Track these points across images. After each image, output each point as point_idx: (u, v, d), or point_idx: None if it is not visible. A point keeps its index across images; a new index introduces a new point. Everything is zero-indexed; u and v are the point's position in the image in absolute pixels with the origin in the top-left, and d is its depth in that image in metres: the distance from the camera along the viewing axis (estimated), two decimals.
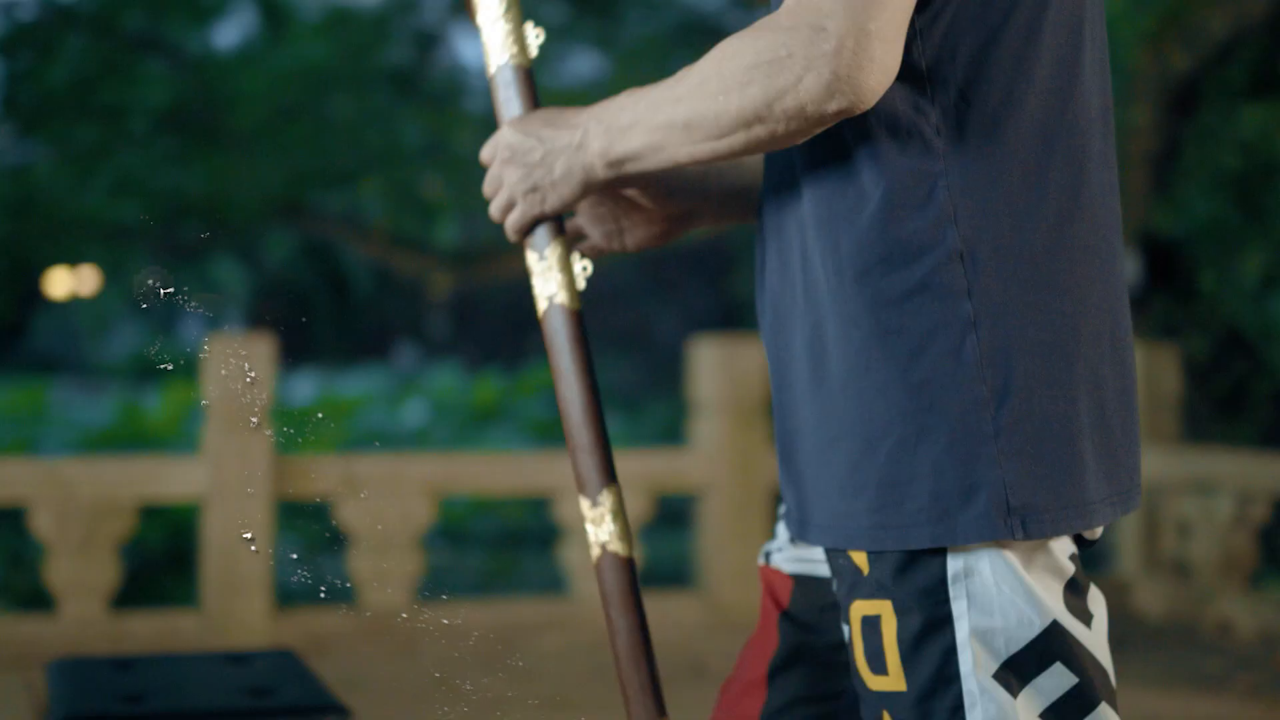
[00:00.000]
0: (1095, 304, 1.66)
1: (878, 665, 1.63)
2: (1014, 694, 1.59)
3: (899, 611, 1.62)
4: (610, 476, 1.83)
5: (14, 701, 5.09)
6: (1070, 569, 1.64)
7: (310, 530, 9.41)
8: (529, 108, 1.86)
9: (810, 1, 1.55)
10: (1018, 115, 1.63)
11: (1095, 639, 1.65)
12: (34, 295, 15.58)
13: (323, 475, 6.03)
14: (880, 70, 1.54)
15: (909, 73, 1.62)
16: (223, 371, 5.67)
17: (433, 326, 18.68)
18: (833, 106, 1.55)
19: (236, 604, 5.70)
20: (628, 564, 1.82)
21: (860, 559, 1.64)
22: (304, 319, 17.90)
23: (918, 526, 1.59)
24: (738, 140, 1.62)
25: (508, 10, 1.89)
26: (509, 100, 1.87)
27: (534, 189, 1.79)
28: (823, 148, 1.66)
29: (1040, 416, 1.60)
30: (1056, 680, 1.60)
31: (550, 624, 5.99)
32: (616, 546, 1.81)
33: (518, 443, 12.39)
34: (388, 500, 5.88)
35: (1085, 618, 1.64)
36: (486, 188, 1.84)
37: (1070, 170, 1.66)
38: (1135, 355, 1.75)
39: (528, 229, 1.85)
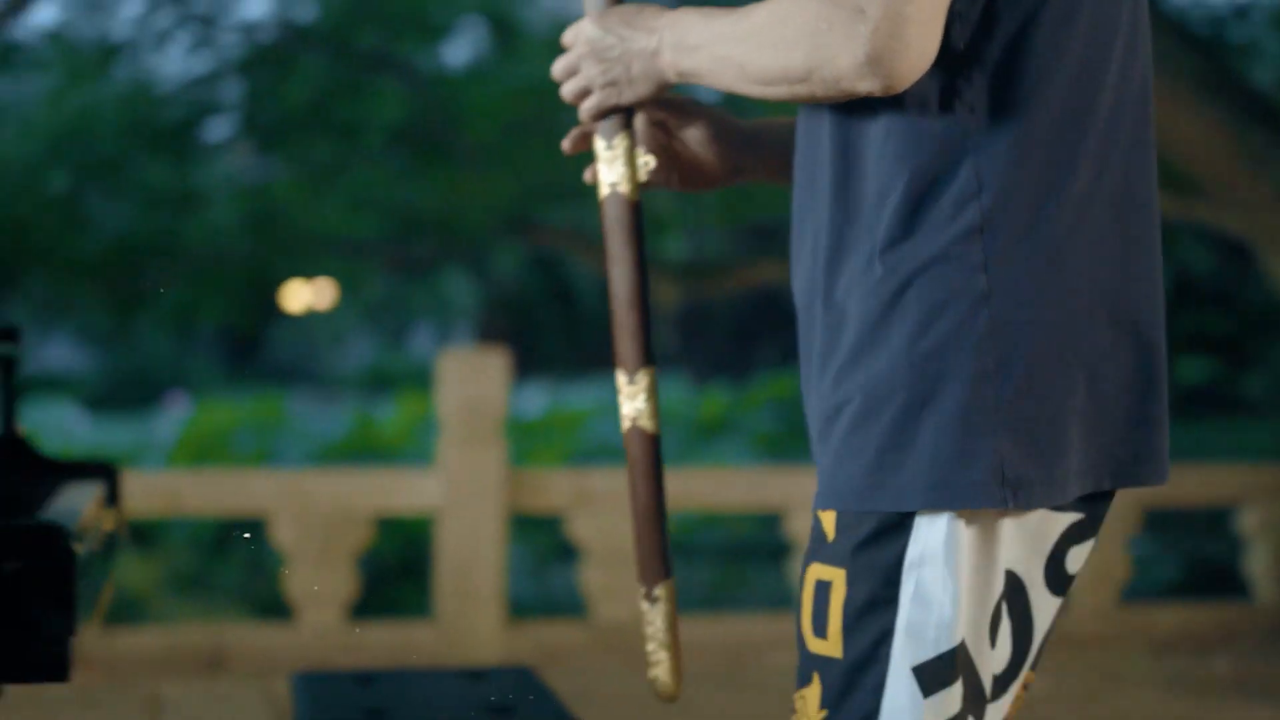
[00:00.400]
0: (1108, 289, 1.70)
1: (820, 629, 1.70)
2: (924, 694, 1.66)
3: (850, 582, 1.68)
4: (649, 359, 1.95)
5: (254, 709, 5.19)
6: (1051, 543, 1.72)
7: (542, 542, 9.49)
8: (611, 2, 1.92)
9: None
10: (1049, 95, 1.68)
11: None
12: (272, 308, 15.94)
13: (554, 488, 6.07)
14: (916, 55, 1.60)
15: (946, 52, 1.66)
16: (457, 384, 5.73)
17: (660, 339, 18.77)
18: (865, 86, 1.62)
19: (470, 615, 5.75)
20: (653, 439, 1.94)
21: (829, 524, 1.71)
22: (532, 331, 18.08)
23: (914, 490, 1.65)
24: (781, 91, 1.69)
25: None
26: None
27: (612, 83, 1.89)
28: (856, 116, 1.72)
29: (1039, 393, 1.65)
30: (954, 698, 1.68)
31: (779, 641, 5.95)
32: (646, 423, 1.94)
33: (745, 457, 12.38)
34: (618, 514, 5.89)
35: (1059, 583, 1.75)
36: (560, 72, 1.94)
37: (1096, 153, 1.71)
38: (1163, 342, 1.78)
39: (601, 116, 1.93)
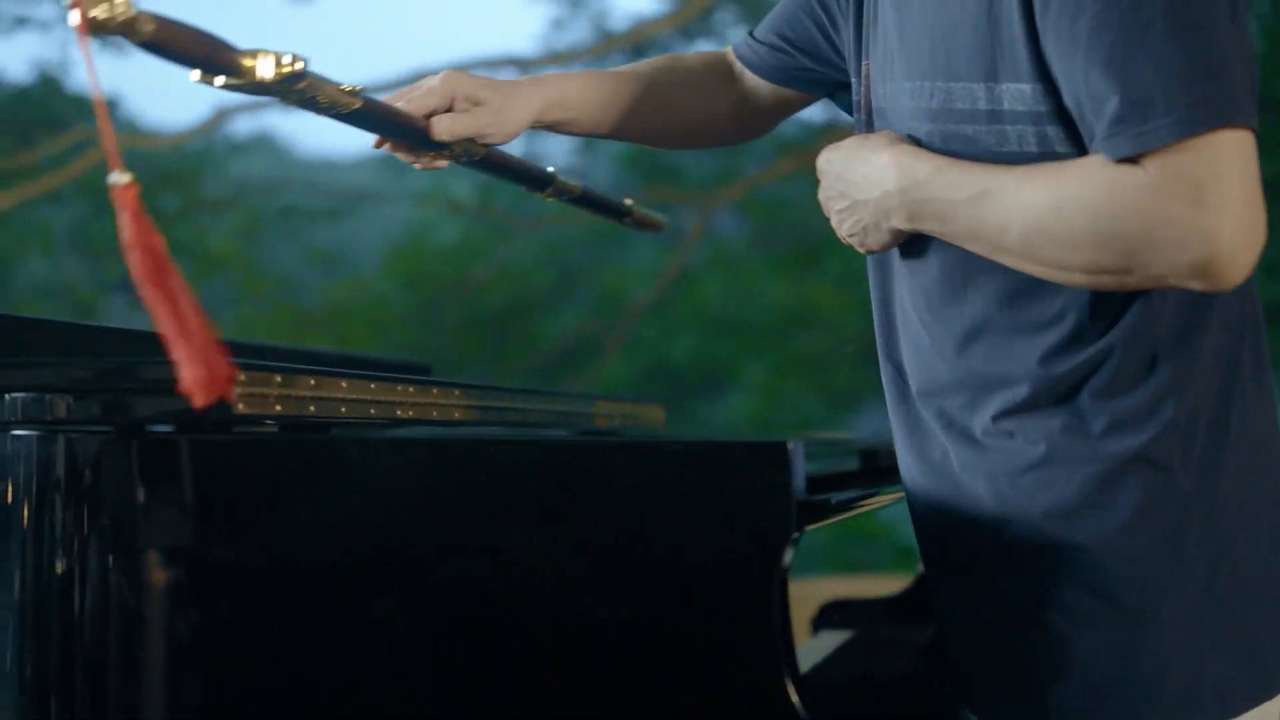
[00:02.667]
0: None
1: None
2: None
3: None
4: None
5: None
6: None
7: None
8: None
9: (1187, 170, 1.42)
10: None
11: None
12: None
13: None
14: (1255, 249, 1.43)
15: None
16: None
17: None
18: (1197, 285, 1.45)
19: None
20: None
21: None
22: None
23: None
24: (1072, 278, 1.53)
25: None
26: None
27: (851, 234, 1.75)
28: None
29: (1253, 589, 1.59)
30: None
31: None
32: None
33: None
34: None
35: None
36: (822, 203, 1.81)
37: (1255, 317, 1.63)
38: None
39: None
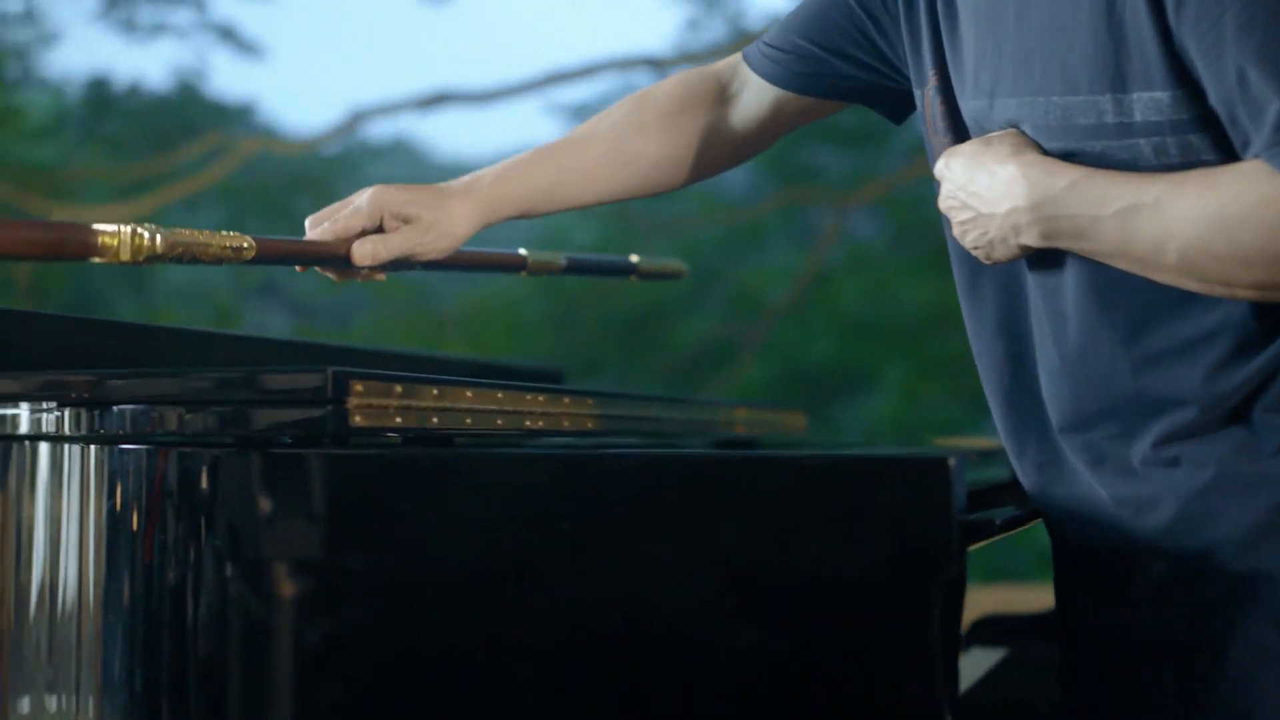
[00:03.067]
0: None
1: None
2: None
3: None
4: None
5: None
6: None
7: None
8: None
9: None
10: None
11: None
12: None
13: None
14: None
15: None
16: None
17: None
18: None
19: None
20: None
21: None
22: None
23: None
24: (1237, 293, 1.44)
25: None
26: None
27: (976, 247, 1.62)
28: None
29: None
30: None
31: None
32: None
33: None
34: None
35: None
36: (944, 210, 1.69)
37: None
38: None
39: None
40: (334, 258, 1.75)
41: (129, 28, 8.58)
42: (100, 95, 9.01)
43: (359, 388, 1.33)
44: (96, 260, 1.46)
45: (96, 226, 1.45)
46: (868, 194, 8.25)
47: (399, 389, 1.37)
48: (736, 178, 8.87)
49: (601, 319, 8.22)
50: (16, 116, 8.52)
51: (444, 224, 1.81)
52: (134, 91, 9.04)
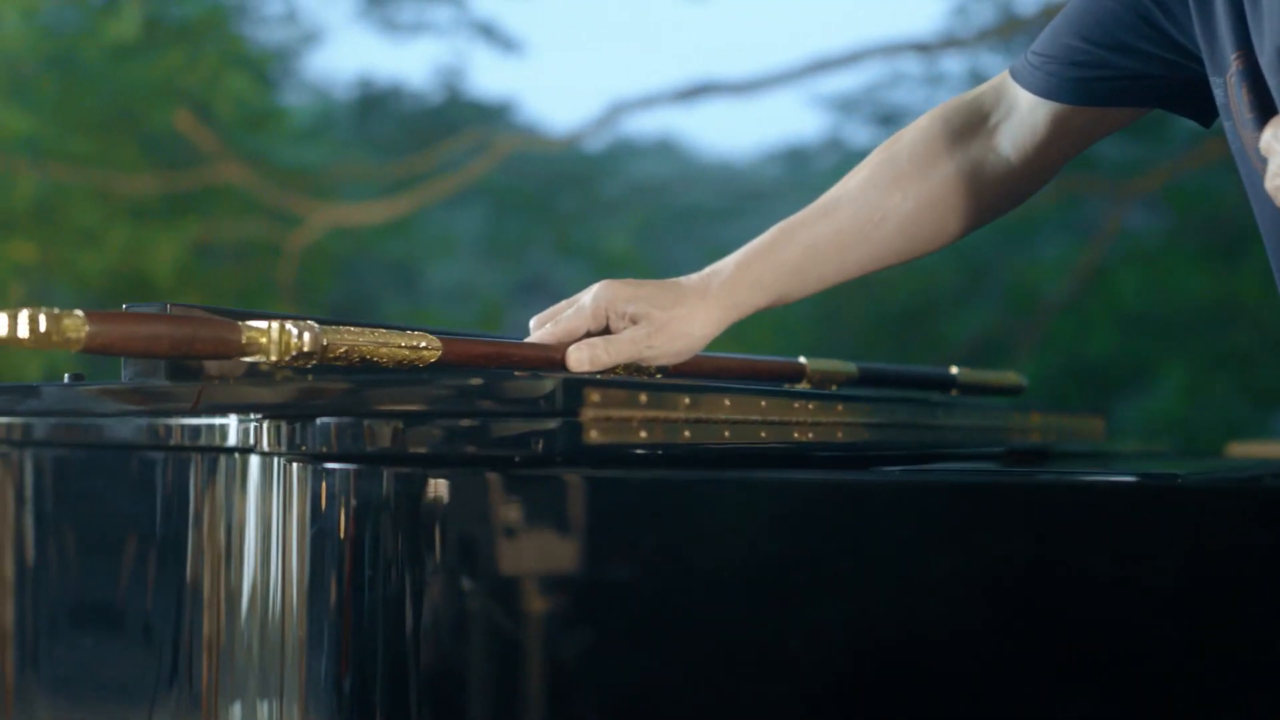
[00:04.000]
0: None
1: None
2: None
3: None
4: None
5: None
6: None
7: None
8: None
9: None
10: None
11: None
12: None
13: None
14: None
15: None
16: None
17: None
18: None
19: None
20: None
21: None
22: None
23: None
24: None
25: None
26: None
27: None
28: None
29: None
30: None
31: None
32: None
33: None
34: None
35: None
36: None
37: None
38: None
39: None
40: (545, 364, 1.47)
41: (390, 27, 8.56)
42: (361, 95, 9.03)
43: (595, 397, 1.11)
44: (245, 359, 1.25)
45: (243, 324, 1.24)
46: (1147, 184, 7.91)
47: (644, 397, 1.15)
48: None
49: (870, 314, 8.00)
50: (279, 118, 8.55)
51: (678, 324, 1.56)
52: (395, 91, 9.04)
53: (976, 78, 8.44)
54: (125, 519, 1.48)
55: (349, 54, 10.21)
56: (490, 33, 8.57)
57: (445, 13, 8.54)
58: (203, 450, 1.41)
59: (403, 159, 8.42)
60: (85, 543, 1.55)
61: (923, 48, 8.16)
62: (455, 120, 8.67)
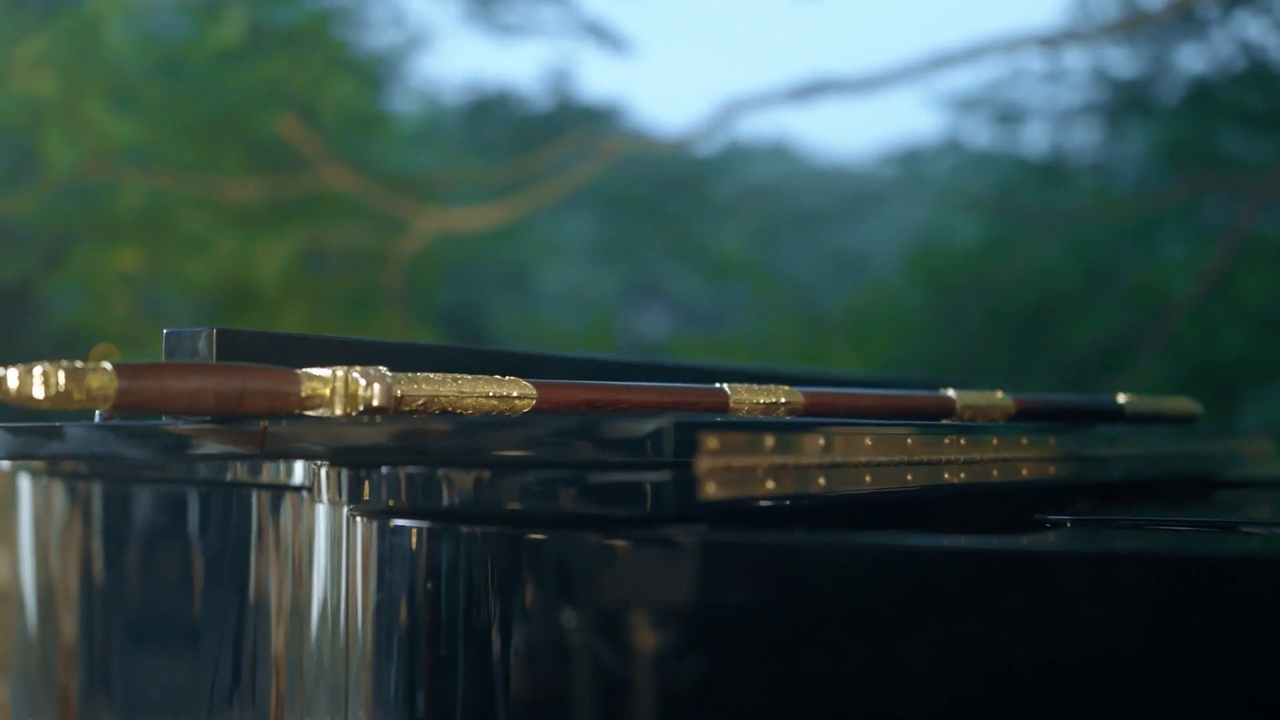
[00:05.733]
0: None
1: None
2: None
3: None
4: None
5: None
6: None
7: None
8: None
9: None
10: None
11: None
12: None
13: None
14: None
15: None
16: None
17: None
18: None
19: None
20: None
21: None
22: None
23: None
24: None
25: None
26: None
27: None
28: None
29: None
30: None
31: None
32: None
33: None
34: None
35: None
36: None
37: None
38: None
39: None
40: (661, 409, 1.27)
41: (498, 29, 8.41)
42: (469, 99, 8.90)
43: (712, 442, 0.91)
44: (308, 413, 1.07)
45: (302, 373, 1.06)
46: (1276, 180, 7.64)
47: (770, 440, 0.95)
48: (1128, 166, 8.31)
49: (990, 317, 7.77)
50: (386, 123, 8.43)
51: None
52: (503, 94, 8.90)
53: (1100, 76, 8.18)
54: (189, 550, 1.33)
55: (457, 57, 10.10)
56: (599, 33, 8.40)
57: (553, 13, 8.38)
58: (265, 487, 1.24)
59: (510, 162, 8.27)
60: (148, 569, 1.42)
61: (1045, 41, 7.90)
62: (564, 123, 8.51)
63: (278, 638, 1.23)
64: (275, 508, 1.23)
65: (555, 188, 8.06)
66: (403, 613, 1.02)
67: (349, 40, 8.18)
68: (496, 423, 1.01)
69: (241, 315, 7.18)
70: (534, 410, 1.16)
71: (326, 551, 1.17)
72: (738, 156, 9.26)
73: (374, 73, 8.32)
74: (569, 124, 8.49)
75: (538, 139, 8.31)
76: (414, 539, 1.01)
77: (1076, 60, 8.14)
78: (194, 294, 7.49)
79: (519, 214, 8.09)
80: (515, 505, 0.97)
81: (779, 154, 9.67)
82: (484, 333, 8.58)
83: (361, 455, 1.06)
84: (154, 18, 7.53)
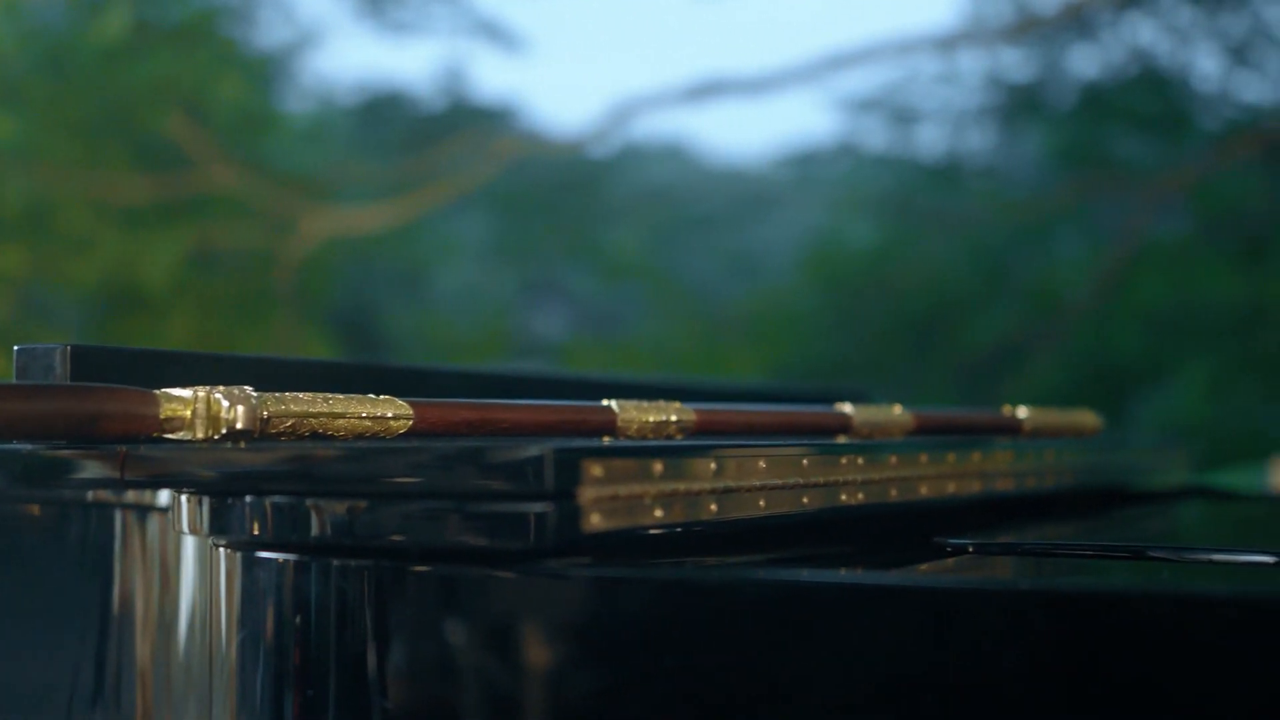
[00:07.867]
0: None
1: None
2: None
3: None
4: None
5: None
6: None
7: None
8: None
9: None
10: None
11: None
12: None
13: None
14: None
15: None
16: None
17: None
18: None
19: None
20: None
21: None
22: None
23: None
24: None
25: None
26: None
27: None
28: None
29: None
30: None
31: None
32: None
33: None
34: None
35: None
36: None
37: None
38: None
39: None
40: (545, 430, 1.22)
41: (390, 27, 8.32)
42: (362, 98, 8.80)
43: (596, 470, 0.86)
44: (169, 436, 1.00)
45: (160, 394, 0.99)
46: (1170, 183, 7.70)
47: (659, 466, 0.90)
48: (1023, 168, 8.35)
49: (887, 319, 7.78)
50: (276, 122, 8.32)
51: None
52: (396, 92, 8.81)
53: (994, 79, 8.20)
54: (46, 558, 1.27)
55: (349, 56, 9.98)
56: (493, 32, 8.33)
57: (445, 11, 8.30)
58: (130, 507, 1.18)
59: (404, 162, 8.19)
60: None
61: (940, 43, 7.92)
62: (459, 123, 8.43)
63: (144, 647, 1.17)
64: (141, 519, 1.17)
65: (449, 188, 7.98)
66: (268, 649, 0.96)
67: (238, 38, 8.06)
68: (369, 449, 0.94)
69: (130, 317, 7.06)
70: (411, 431, 1.10)
71: (194, 565, 1.11)
72: (633, 157, 9.21)
73: (264, 71, 8.20)
74: (463, 124, 8.42)
75: (432, 139, 8.23)
76: (280, 572, 0.95)
77: (971, 63, 8.17)
78: (80, 295, 7.35)
79: (413, 214, 8.01)
80: (391, 537, 0.91)
81: (675, 155, 9.63)
82: (378, 335, 8.48)
83: (224, 483, 0.99)
84: (36, 13, 7.38)
